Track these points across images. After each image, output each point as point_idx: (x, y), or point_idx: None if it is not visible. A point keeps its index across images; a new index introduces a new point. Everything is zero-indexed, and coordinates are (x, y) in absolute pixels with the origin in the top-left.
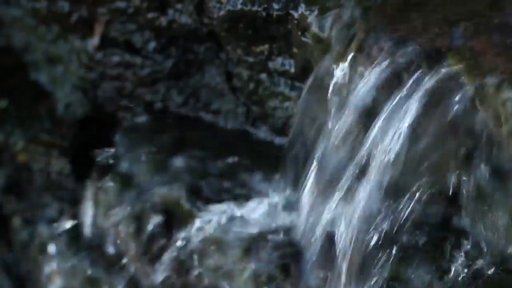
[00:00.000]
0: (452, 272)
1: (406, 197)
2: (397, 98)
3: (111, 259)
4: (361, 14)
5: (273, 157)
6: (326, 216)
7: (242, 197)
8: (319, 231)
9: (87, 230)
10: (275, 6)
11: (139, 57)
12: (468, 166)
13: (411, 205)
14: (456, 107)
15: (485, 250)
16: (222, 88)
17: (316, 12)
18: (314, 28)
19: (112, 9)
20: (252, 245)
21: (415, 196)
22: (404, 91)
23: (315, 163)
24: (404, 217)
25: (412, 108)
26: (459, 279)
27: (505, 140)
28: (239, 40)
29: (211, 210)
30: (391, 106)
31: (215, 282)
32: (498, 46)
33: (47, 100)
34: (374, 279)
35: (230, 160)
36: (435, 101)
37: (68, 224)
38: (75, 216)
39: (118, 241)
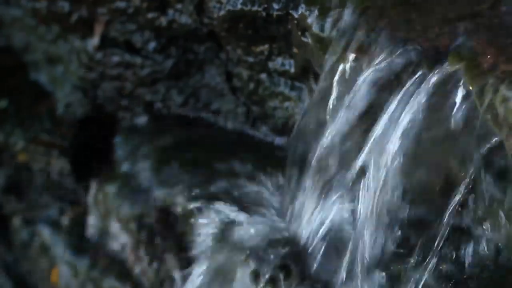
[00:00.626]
0: (453, 272)
1: (406, 197)
2: (397, 98)
3: (111, 259)
4: (362, 14)
5: (273, 157)
6: (327, 216)
7: (242, 197)
8: (320, 231)
9: (87, 230)
10: (275, 6)
11: (139, 57)
12: (468, 166)
13: (411, 205)
14: (456, 107)
15: (486, 250)
16: (222, 88)
17: (316, 12)
18: (314, 28)
19: (112, 9)
20: (253, 245)
21: (415, 196)
22: (404, 91)
23: (316, 163)
24: (405, 217)
25: (412, 108)
26: (459, 279)
27: (505, 140)
28: (239, 40)
29: (211, 211)
30: (391, 106)
31: (215, 283)
32: (498, 46)
33: (47, 100)
34: (377, 278)
35: (230, 160)
36: (435, 101)
37: (68, 224)
38: (75, 216)
39: (118, 241)
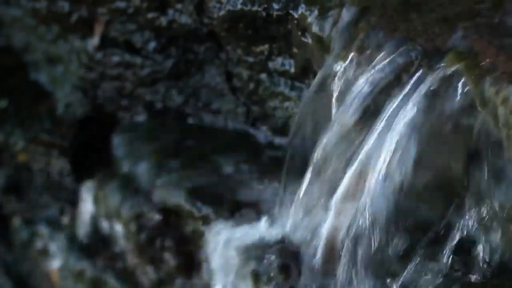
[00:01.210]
0: (452, 272)
1: (407, 197)
2: (397, 98)
3: (111, 259)
4: (361, 14)
5: (273, 157)
6: (328, 216)
7: (242, 197)
8: (320, 231)
9: (87, 230)
10: (275, 6)
11: (139, 57)
12: (468, 166)
13: (411, 205)
14: (456, 107)
15: (486, 250)
16: (222, 88)
17: (316, 12)
18: (314, 28)
19: (112, 9)
20: (252, 245)
21: (416, 196)
22: (404, 91)
23: (315, 163)
24: (405, 217)
25: (412, 108)
26: (459, 279)
27: (505, 140)
28: (239, 40)
29: (211, 211)
30: (391, 106)
31: (215, 283)
32: (498, 46)
33: (47, 100)
34: (377, 278)
35: (230, 160)
36: (435, 101)
37: (68, 224)
38: (75, 216)
39: (118, 242)
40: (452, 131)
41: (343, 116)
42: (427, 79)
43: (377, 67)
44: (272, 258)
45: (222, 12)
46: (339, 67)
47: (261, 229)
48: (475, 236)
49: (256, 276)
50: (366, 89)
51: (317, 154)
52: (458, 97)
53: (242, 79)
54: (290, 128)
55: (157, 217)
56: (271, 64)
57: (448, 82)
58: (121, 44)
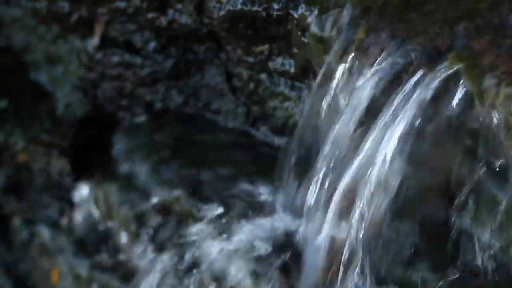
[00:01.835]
0: (453, 272)
1: (407, 197)
2: (398, 98)
3: (111, 259)
4: (361, 14)
5: (273, 157)
6: (329, 216)
7: (242, 197)
8: (320, 232)
9: (87, 230)
10: (275, 6)
11: (139, 57)
12: (468, 165)
13: (412, 205)
14: (456, 107)
15: (486, 249)
16: (222, 88)
17: (316, 12)
18: (314, 28)
19: (112, 9)
20: (253, 246)
21: (416, 196)
22: (404, 91)
23: (316, 164)
24: (406, 217)
25: (412, 108)
26: (459, 278)
27: (504, 140)
28: (239, 40)
29: (211, 211)
30: (391, 106)
31: (216, 283)
32: (498, 46)
33: (47, 100)
34: (377, 279)
35: (230, 160)
36: (435, 101)
37: (68, 224)
38: (75, 216)
39: (118, 241)
40: (452, 131)
41: (343, 116)
42: (427, 79)
43: (377, 67)
44: (272, 258)
45: (222, 12)
46: (339, 67)
47: (262, 229)
48: (475, 236)
49: (256, 276)
50: (366, 89)
51: (318, 155)
52: (458, 97)
53: (242, 79)
54: (290, 128)
55: (157, 217)
56: (271, 64)
57: (448, 82)
58: (121, 44)
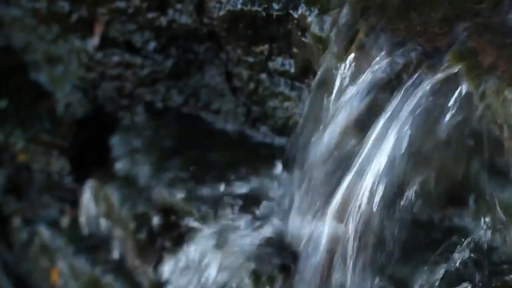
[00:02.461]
0: (452, 272)
1: (408, 197)
2: (397, 98)
3: (111, 260)
4: (361, 14)
5: (273, 157)
6: (328, 216)
7: (242, 197)
8: (319, 232)
9: (87, 230)
10: (275, 6)
11: (139, 57)
12: (469, 166)
13: (412, 205)
14: (456, 107)
15: (486, 249)
16: (222, 88)
17: (316, 12)
18: (314, 28)
19: (112, 9)
20: (253, 245)
21: (416, 196)
22: (404, 91)
23: (315, 163)
24: (406, 217)
25: (412, 108)
26: (459, 278)
27: (505, 140)
28: (239, 40)
29: (211, 211)
30: (391, 106)
31: (216, 283)
32: (498, 46)
33: (47, 100)
34: (376, 279)
35: (230, 160)
36: (435, 101)
37: (68, 224)
38: (75, 216)
39: (118, 241)
40: (452, 131)
41: (343, 116)
42: (427, 79)
43: (377, 67)
44: (272, 258)
45: (222, 12)
46: (339, 67)
47: (261, 229)
48: (476, 236)
49: (256, 276)
50: (367, 89)
51: (318, 155)
52: (458, 97)
53: (242, 79)
54: (290, 128)
55: (157, 217)
56: (271, 64)
57: (448, 82)
58: (121, 44)
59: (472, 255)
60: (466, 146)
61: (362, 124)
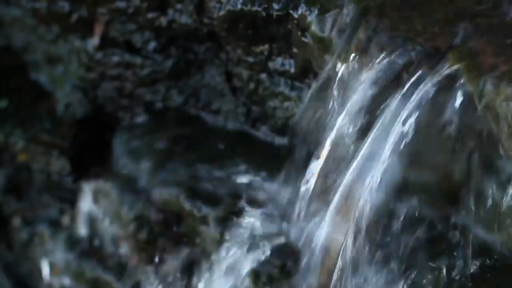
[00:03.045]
0: (452, 271)
1: (408, 197)
2: (398, 98)
3: (111, 259)
4: (361, 14)
5: (273, 157)
6: (328, 216)
7: (242, 197)
8: (319, 232)
9: (87, 230)
10: (275, 6)
11: (139, 57)
12: (468, 166)
13: (412, 205)
14: (456, 107)
15: (486, 249)
16: (222, 88)
17: (316, 12)
18: (314, 28)
19: (112, 9)
20: (252, 245)
21: (417, 196)
22: (404, 91)
23: (316, 163)
24: (406, 217)
25: (413, 108)
26: (459, 278)
27: (504, 140)
28: (239, 40)
29: (211, 211)
30: (391, 106)
31: (216, 283)
32: (498, 46)
33: (47, 100)
34: (376, 278)
35: (230, 160)
36: (435, 101)
37: (68, 224)
38: (75, 216)
39: (118, 242)
40: (452, 131)
41: (343, 116)
42: (427, 79)
43: (377, 67)
44: (272, 257)
45: (222, 12)
46: (339, 67)
47: (262, 229)
48: (475, 235)
49: (256, 276)
50: (367, 89)
51: (318, 155)
52: (458, 97)
53: (242, 79)
54: (291, 128)
55: (157, 217)
56: (271, 64)
57: (448, 82)
58: (121, 44)
59: (472, 254)
60: (466, 145)
61: (363, 124)
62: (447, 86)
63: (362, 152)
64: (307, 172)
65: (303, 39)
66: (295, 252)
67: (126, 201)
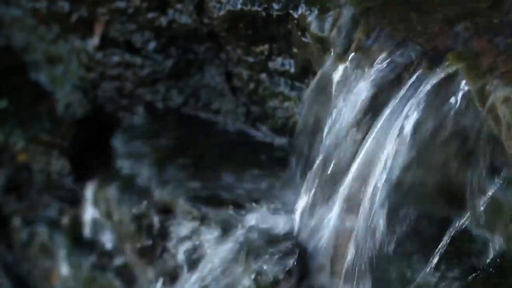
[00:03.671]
0: (452, 271)
1: (407, 198)
2: (398, 98)
3: (111, 260)
4: (361, 14)
5: (273, 157)
6: (329, 216)
7: (242, 197)
8: (322, 231)
9: (87, 230)
10: (275, 6)
11: (139, 57)
12: (469, 166)
13: (413, 205)
14: (456, 107)
15: (486, 249)
16: (222, 88)
17: (316, 12)
18: (314, 28)
19: (112, 9)
20: (255, 245)
21: (417, 196)
22: (404, 91)
23: (316, 163)
24: (406, 217)
25: (413, 108)
26: (459, 278)
27: (504, 140)
28: (239, 40)
29: (211, 211)
30: (391, 106)
31: (217, 283)
32: (498, 46)
33: (47, 100)
34: (377, 278)
35: (230, 160)
36: (435, 101)
37: (68, 224)
38: (75, 216)
39: (118, 241)
40: (452, 131)
41: (343, 116)
42: (427, 79)
43: (377, 67)
44: (275, 257)
45: (222, 12)
46: (339, 67)
47: (263, 228)
48: (475, 235)
49: (259, 275)
50: (367, 89)
51: (319, 155)
52: (458, 97)
53: (242, 79)
54: (291, 128)
55: (157, 217)
56: (271, 64)
57: (448, 82)
58: (121, 44)
59: (473, 254)
60: (466, 146)
61: (363, 124)
62: (447, 86)
63: (362, 152)
64: (310, 172)
65: (303, 39)
66: (299, 249)
67: (126, 201)
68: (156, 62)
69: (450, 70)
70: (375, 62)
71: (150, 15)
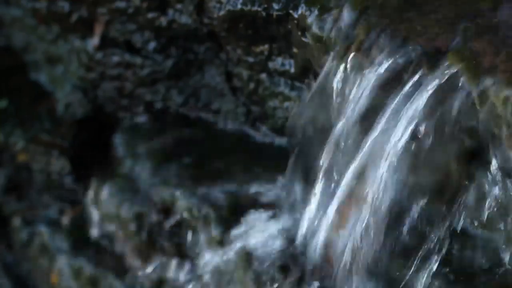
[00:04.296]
0: (453, 271)
1: (407, 198)
2: (398, 98)
3: (111, 260)
4: (362, 14)
5: (273, 158)
6: (329, 217)
7: (242, 197)
8: (320, 232)
9: (87, 230)
10: (275, 6)
11: (139, 57)
12: (469, 166)
13: (413, 205)
14: (456, 107)
15: (486, 250)
16: (222, 88)
17: (316, 12)
18: (314, 28)
19: (112, 9)
20: (253, 246)
21: (417, 196)
22: (405, 91)
23: (317, 164)
24: (407, 217)
25: (413, 108)
26: (459, 278)
27: (505, 140)
28: (239, 40)
29: (211, 211)
30: (391, 106)
31: (216, 283)
32: (498, 46)
33: (47, 100)
34: (377, 279)
35: (230, 160)
36: (435, 101)
37: (68, 224)
38: (75, 216)
39: (118, 242)
40: (452, 131)
41: (343, 116)
42: (427, 79)
43: (377, 67)
44: (273, 258)
45: (222, 12)
46: (339, 67)
47: (263, 229)
48: (475, 235)
49: (257, 276)
50: (367, 89)
51: (319, 155)
52: (458, 97)
53: (242, 79)
54: (291, 128)
55: (157, 217)
56: (271, 64)
57: (448, 82)
58: (121, 44)
59: (473, 254)
60: (466, 145)
61: (363, 124)
62: (447, 86)
63: (363, 153)
64: (309, 173)
65: (303, 39)
66: (297, 251)
67: (126, 201)
68: (156, 62)
69: (450, 70)
70: (375, 62)
71: (150, 15)
